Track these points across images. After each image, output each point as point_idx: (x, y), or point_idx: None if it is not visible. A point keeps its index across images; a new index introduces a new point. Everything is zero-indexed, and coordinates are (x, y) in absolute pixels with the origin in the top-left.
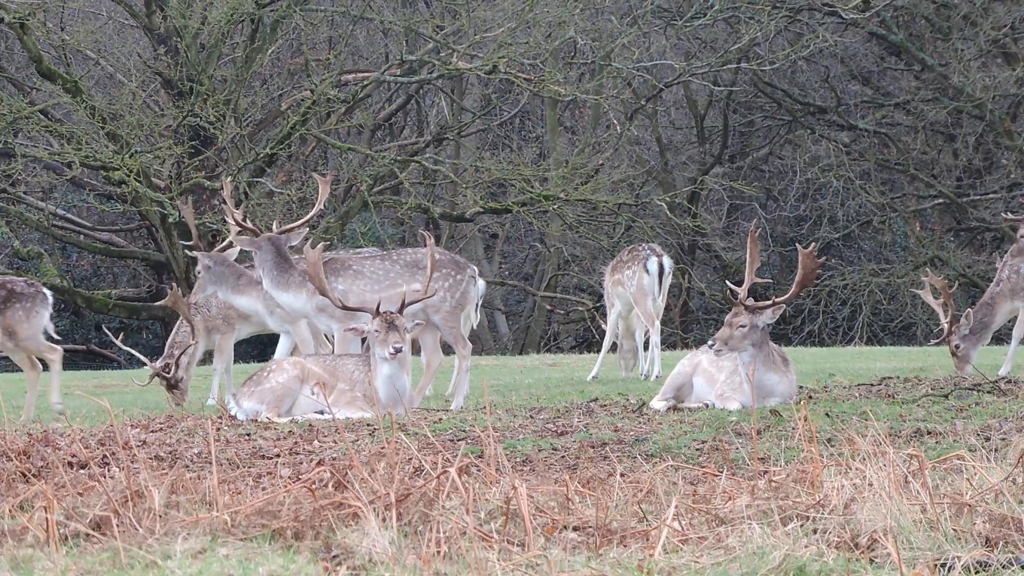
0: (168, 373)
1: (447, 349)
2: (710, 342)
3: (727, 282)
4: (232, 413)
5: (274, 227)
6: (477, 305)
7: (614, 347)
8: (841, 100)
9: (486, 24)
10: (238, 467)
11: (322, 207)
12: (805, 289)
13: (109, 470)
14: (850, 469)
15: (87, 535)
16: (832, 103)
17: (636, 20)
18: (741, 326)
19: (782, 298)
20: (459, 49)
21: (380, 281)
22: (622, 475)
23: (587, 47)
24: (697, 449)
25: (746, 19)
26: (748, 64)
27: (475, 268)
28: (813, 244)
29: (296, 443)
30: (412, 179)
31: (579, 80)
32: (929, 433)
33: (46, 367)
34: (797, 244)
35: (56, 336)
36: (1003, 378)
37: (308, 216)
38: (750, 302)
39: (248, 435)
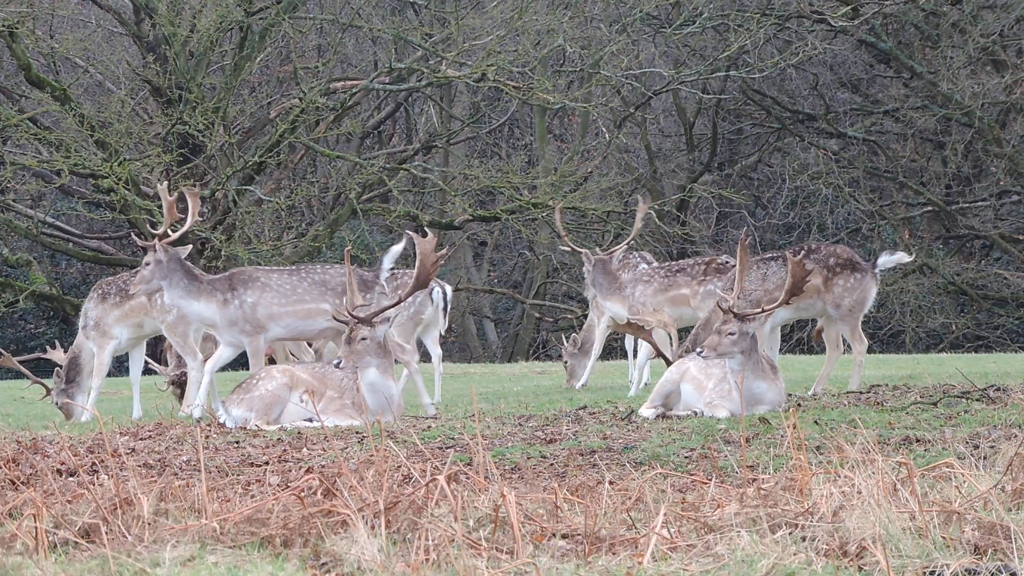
0: (185, 381)
1: (427, 356)
2: (699, 349)
3: (717, 290)
4: (221, 420)
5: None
6: (446, 311)
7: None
8: (830, 108)
9: (475, 32)
10: (227, 475)
11: (196, 219)
12: (793, 297)
13: (98, 478)
14: (839, 477)
15: (76, 543)
16: (821, 111)
17: (625, 28)
18: (730, 333)
19: (771, 306)
20: (448, 57)
21: (287, 296)
22: (611, 483)
23: (576, 55)
24: (686, 457)
25: (735, 27)
26: (737, 72)
27: (383, 283)
28: (802, 251)
29: (285, 451)
30: (401, 187)
31: (568, 88)
32: (918, 441)
33: None
34: (786, 252)
35: None
36: (992, 386)
37: (185, 228)
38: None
39: (237, 443)
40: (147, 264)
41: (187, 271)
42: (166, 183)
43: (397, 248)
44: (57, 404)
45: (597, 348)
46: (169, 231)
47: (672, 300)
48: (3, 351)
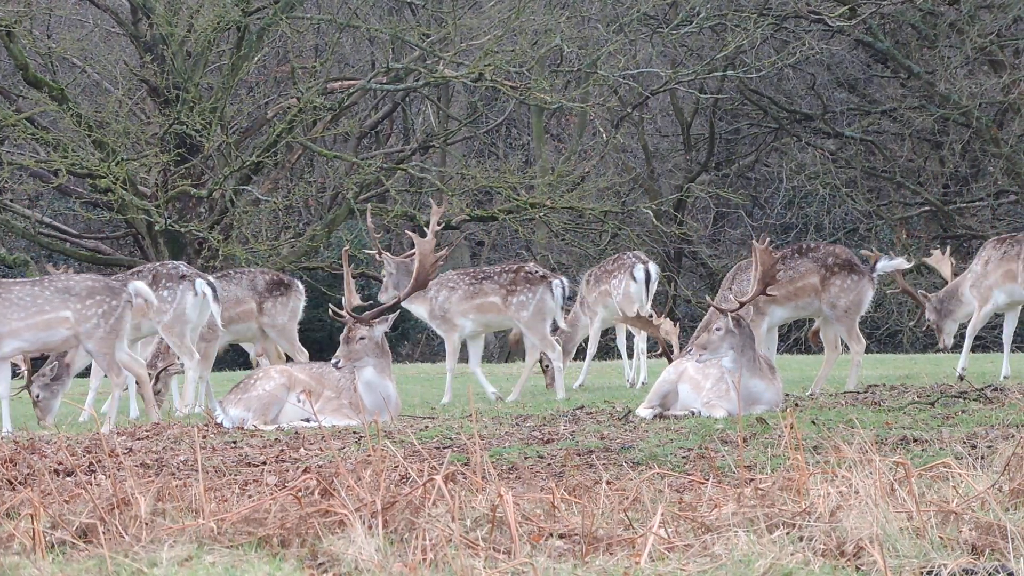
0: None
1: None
2: (690, 350)
3: (723, 292)
4: (219, 420)
5: None
6: None
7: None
8: (827, 108)
9: (472, 32)
10: (224, 475)
11: None
12: (768, 286)
13: (95, 478)
14: (836, 477)
15: (73, 543)
16: (818, 111)
17: (622, 28)
18: (716, 329)
19: (746, 297)
20: (445, 57)
21: (27, 308)
22: (608, 483)
23: (573, 55)
24: (683, 457)
25: (732, 27)
26: (734, 72)
27: (131, 293)
28: (767, 238)
29: (282, 451)
30: (398, 187)
31: (565, 88)
32: (915, 441)
33: None
34: (753, 241)
35: None
36: (989, 386)
37: None
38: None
39: (234, 443)
40: None
41: None
42: None
43: (141, 286)
44: (36, 397)
45: (592, 348)
46: None
47: (479, 307)
48: None
